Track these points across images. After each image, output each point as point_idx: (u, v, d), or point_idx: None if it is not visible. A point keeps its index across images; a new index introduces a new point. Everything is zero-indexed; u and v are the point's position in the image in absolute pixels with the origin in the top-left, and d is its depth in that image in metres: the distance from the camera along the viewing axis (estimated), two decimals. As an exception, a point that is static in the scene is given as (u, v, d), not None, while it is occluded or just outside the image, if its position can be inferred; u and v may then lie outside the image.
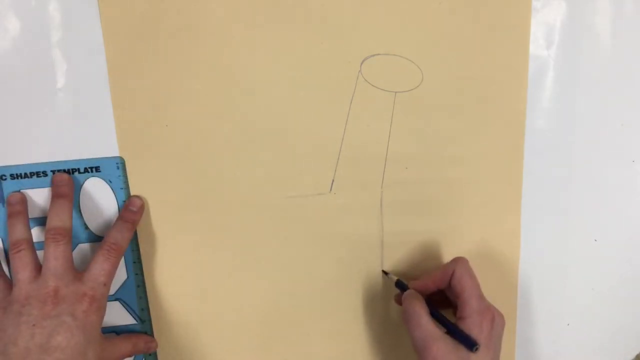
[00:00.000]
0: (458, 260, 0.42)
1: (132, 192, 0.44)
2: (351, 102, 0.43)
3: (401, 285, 0.45)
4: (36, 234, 0.43)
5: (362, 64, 0.43)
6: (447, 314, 0.42)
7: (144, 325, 0.47)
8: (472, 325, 0.39)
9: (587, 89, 0.44)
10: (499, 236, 0.46)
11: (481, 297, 0.41)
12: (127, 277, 0.45)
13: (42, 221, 0.43)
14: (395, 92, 0.43)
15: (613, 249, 0.47)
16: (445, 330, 0.40)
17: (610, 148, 0.45)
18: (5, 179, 0.43)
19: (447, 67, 0.43)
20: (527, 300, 0.48)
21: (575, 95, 0.44)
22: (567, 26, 0.43)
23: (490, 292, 0.44)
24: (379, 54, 0.42)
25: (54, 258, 0.39)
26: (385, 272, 0.46)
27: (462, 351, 0.38)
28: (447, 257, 0.46)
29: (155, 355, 0.47)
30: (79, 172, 0.43)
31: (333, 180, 0.45)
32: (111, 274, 0.41)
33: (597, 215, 0.47)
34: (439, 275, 0.42)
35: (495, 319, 0.40)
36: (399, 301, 0.45)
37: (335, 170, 0.44)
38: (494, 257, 0.47)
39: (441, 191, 0.45)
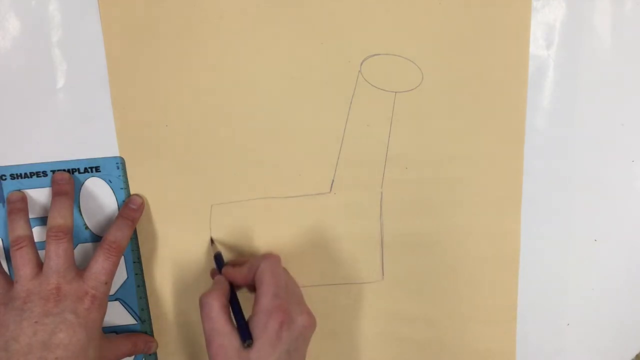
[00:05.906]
0: (266, 257, 0.41)
1: (132, 192, 0.44)
2: (351, 102, 0.43)
3: (218, 262, 0.43)
4: (37, 233, 0.42)
5: (362, 64, 0.42)
6: None
7: (144, 325, 0.47)
8: (257, 323, 0.37)
9: (587, 89, 0.44)
10: (499, 236, 0.46)
11: (276, 295, 0.38)
12: (127, 277, 0.45)
13: (42, 221, 0.43)
14: (395, 92, 0.43)
15: (613, 249, 0.47)
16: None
17: (610, 148, 0.45)
18: (5, 179, 0.43)
19: (447, 67, 0.43)
20: (527, 300, 0.48)
21: (575, 95, 0.44)
22: (567, 26, 0.43)
23: (490, 292, 0.44)
24: (379, 54, 0.42)
25: (56, 255, 0.39)
26: (212, 241, 0.44)
27: (245, 350, 0.36)
28: (447, 257, 0.46)
29: (155, 355, 0.47)
30: (79, 172, 0.43)
31: (333, 180, 0.45)
32: (112, 273, 0.41)
33: (597, 215, 0.47)
34: (245, 271, 0.41)
35: (288, 321, 0.37)
36: (212, 276, 0.44)
37: (335, 170, 0.44)
38: (494, 257, 0.47)
39: (441, 191, 0.45)
